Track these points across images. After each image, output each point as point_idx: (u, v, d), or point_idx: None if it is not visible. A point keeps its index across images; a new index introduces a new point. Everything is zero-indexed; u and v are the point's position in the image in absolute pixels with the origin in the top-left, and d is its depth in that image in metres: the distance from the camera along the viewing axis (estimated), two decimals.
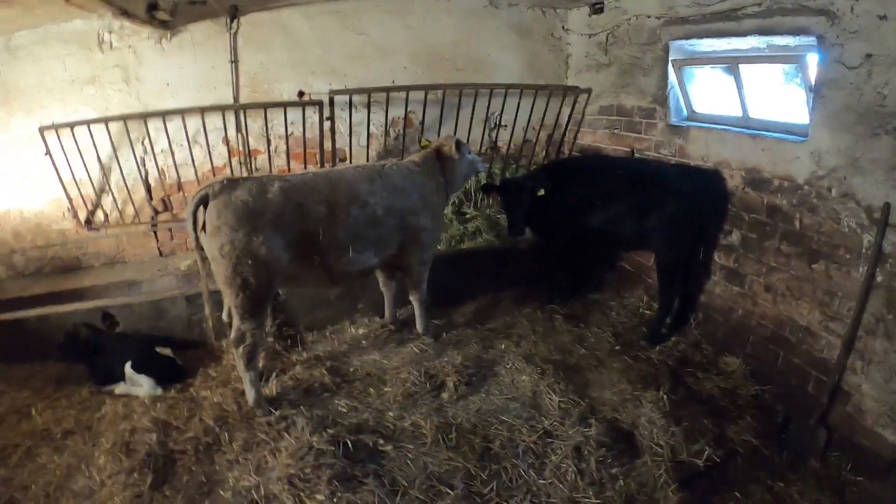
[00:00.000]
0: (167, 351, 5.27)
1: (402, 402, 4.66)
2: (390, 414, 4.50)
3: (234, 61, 6.64)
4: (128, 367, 4.96)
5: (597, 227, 5.61)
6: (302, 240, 4.48)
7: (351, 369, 5.17)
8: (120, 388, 5.05)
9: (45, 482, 4.11)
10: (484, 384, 4.85)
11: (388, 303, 5.79)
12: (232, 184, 4.32)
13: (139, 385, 4.96)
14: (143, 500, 3.82)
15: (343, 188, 4.69)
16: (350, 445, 4.06)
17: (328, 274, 4.80)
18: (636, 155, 6.42)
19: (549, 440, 4.12)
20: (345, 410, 4.57)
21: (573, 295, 6.30)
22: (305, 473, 3.81)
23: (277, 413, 4.49)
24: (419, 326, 5.63)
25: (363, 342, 5.61)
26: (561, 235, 5.98)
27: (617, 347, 5.38)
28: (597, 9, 6.93)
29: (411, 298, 5.56)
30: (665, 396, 4.53)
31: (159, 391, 4.95)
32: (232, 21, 6.48)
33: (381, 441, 4.18)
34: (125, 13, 5.56)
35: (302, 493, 3.69)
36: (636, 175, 5.53)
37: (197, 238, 4.36)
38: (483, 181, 6.75)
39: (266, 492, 3.76)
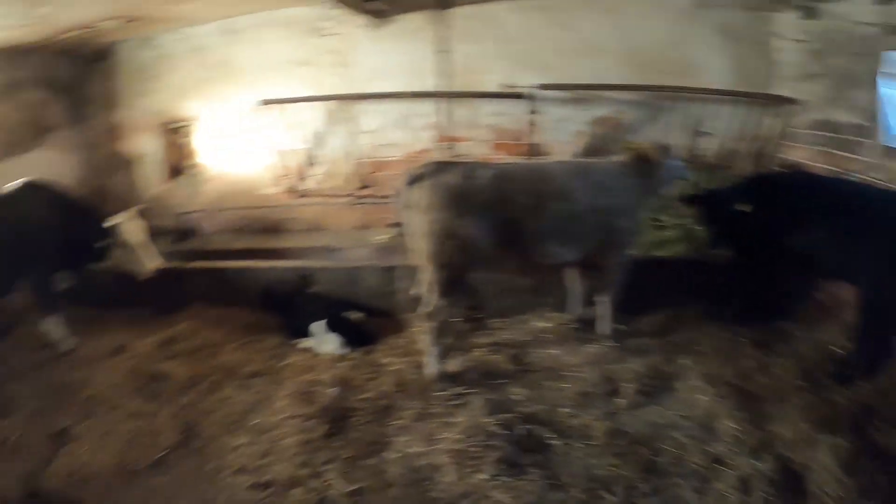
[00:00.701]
0: (357, 316, 5.48)
1: (577, 400, 4.45)
2: (563, 410, 4.32)
3: (444, 51, 6.76)
4: (319, 325, 5.23)
5: (798, 251, 5.08)
6: (505, 227, 4.47)
7: (531, 360, 5.05)
8: (308, 343, 5.31)
9: (226, 413, 4.49)
10: (660, 397, 4.54)
11: (575, 300, 5.59)
12: (443, 166, 4.43)
13: (327, 343, 5.19)
14: (313, 446, 3.98)
15: (549, 181, 4.65)
16: (519, 433, 3.97)
17: (525, 264, 4.80)
18: (846, 177, 5.80)
19: (717, 466, 3.76)
20: (519, 399, 4.45)
21: (763, 320, 5.78)
22: (472, 451, 3.76)
23: (454, 390, 4.48)
24: (603, 328, 5.37)
25: (546, 335, 5.45)
26: (758, 255, 5.50)
27: (801, 383, 4.82)
28: (809, 13, 6.33)
29: (600, 299, 5.33)
30: (844, 445, 4.00)
31: (345, 351, 5.14)
32: (442, 12, 6.63)
33: (551, 435, 4.03)
34: (343, 2, 5.87)
35: (466, 469, 3.65)
36: (847, 198, 4.94)
37: (403, 215, 4.48)
38: (684, 190, 6.41)
39: (431, 461, 3.77)
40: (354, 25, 6.79)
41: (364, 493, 3.70)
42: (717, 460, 3.81)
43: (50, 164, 7.46)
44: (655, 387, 4.63)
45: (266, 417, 4.35)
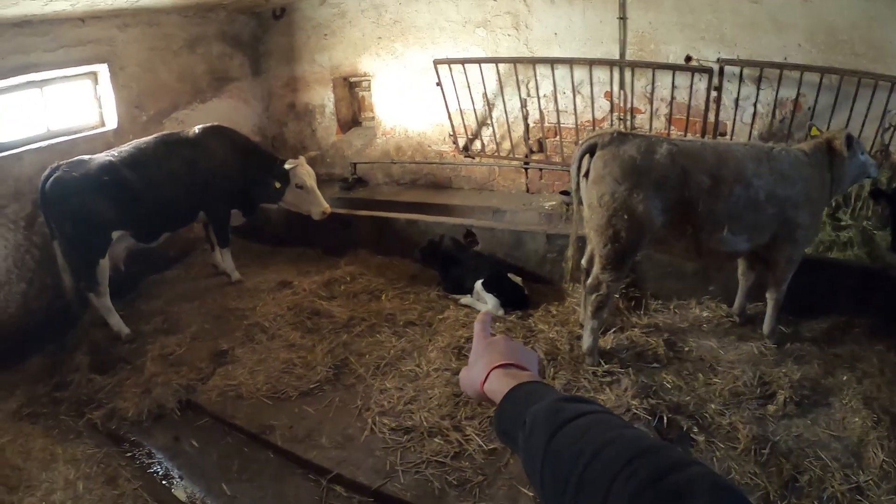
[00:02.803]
0: (517, 279, 5.48)
1: (727, 398, 4.26)
2: (712, 406, 4.16)
3: (623, 18, 6.45)
4: (479, 283, 5.31)
5: None
6: (679, 207, 4.28)
7: (686, 348, 4.86)
8: (466, 300, 5.43)
9: (379, 356, 4.74)
10: (813, 411, 4.22)
11: (740, 293, 5.28)
12: (622, 137, 4.26)
13: (484, 302, 5.26)
14: (458, 400, 4.11)
15: (730, 163, 4.38)
16: (665, 421, 3.89)
17: (696, 247, 4.55)
18: None
19: (858, 498, 3.51)
20: (669, 386, 4.33)
21: None
22: None
23: (605, 366, 4.41)
24: (766, 327, 5.05)
25: (704, 325, 5.22)
26: None
27: None
28: None
29: (767, 296, 4.99)
30: None
31: (501, 312, 5.20)
32: None
33: (696, 429, 3.91)
34: None
35: None
36: None
37: (578, 183, 4.38)
38: (870, 187, 5.86)
39: None
40: None
41: (500, 453, 3.76)
42: (860, 491, 3.59)
43: (230, 113, 8.13)
44: (809, 399, 4.35)
45: (417, 366, 4.49)
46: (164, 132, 6.39)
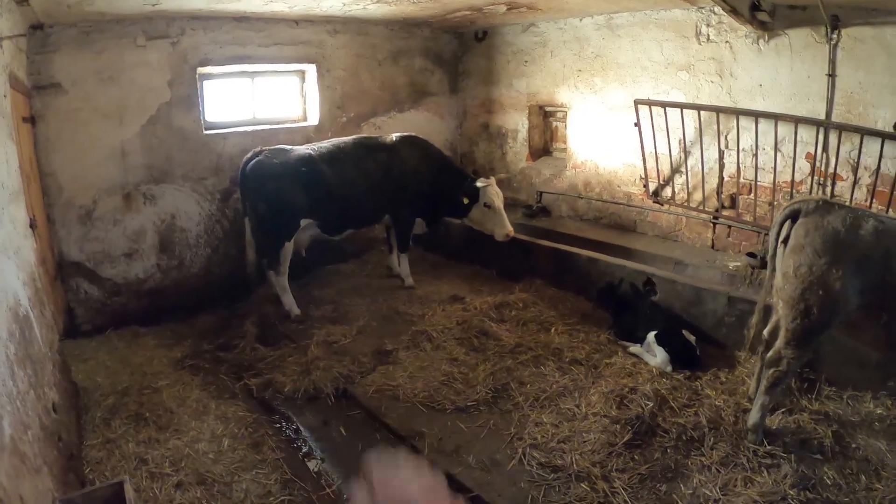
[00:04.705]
0: (691, 337, 5.37)
1: None
2: None
3: (832, 75, 6.05)
4: (651, 334, 5.26)
5: None
6: (878, 289, 4.02)
7: (853, 444, 4.54)
8: (635, 349, 5.40)
9: (540, 388, 4.82)
10: None
11: None
12: (828, 207, 4.07)
13: (654, 355, 5.20)
14: (612, 450, 4.08)
15: None
16: None
17: (887, 337, 4.26)
18: None
19: None
20: (829, 483, 4.07)
21: None
22: None
23: (768, 447, 4.23)
24: None
25: (876, 423, 4.84)
26: None
27: None
28: None
29: None
30: None
31: (669, 369, 5.11)
32: (832, 32, 5.97)
33: None
34: (730, 10, 5.72)
35: None
36: None
37: (775, 249, 4.24)
38: None
39: None
40: (737, 35, 6.44)
41: None
42: None
43: (425, 125, 8.72)
44: None
45: (575, 406, 4.52)
46: (363, 135, 6.89)
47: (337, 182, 6.14)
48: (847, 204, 4.91)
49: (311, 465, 4.37)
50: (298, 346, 5.64)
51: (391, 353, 5.43)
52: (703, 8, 6.49)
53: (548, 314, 5.88)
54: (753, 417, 4.34)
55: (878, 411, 4.97)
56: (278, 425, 4.79)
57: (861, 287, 3.98)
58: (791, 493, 3.80)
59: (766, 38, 6.34)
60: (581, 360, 5.14)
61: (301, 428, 4.74)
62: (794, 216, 4.11)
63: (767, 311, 4.53)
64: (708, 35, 6.63)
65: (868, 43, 5.93)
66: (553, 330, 5.61)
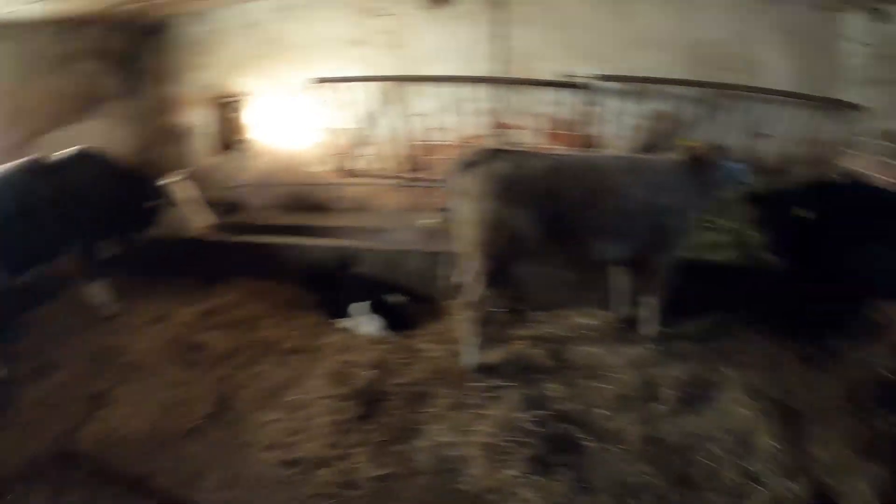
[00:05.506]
0: (399, 299, 5.47)
1: (614, 402, 4.37)
2: (599, 411, 4.26)
3: (500, 36, 6.65)
4: (360, 306, 5.25)
5: (856, 265, 4.89)
6: (553, 219, 4.39)
7: (570, 357, 4.95)
8: (348, 323, 5.33)
9: (261, 388, 4.57)
10: (699, 406, 4.40)
11: (620, 299, 5.47)
12: (495, 153, 4.36)
13: (367, 324, 5.20)
14: (344, 427, 4.03)
15: (602, 175, 4.55)
16: (553, 432, 3.94)
17: (571, 258, 4.72)
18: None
19: (751, 483, 3.68)
20: (556, 396, 4.39)
21: (812, 334, 5.56)
22: (503, 446, 3.76)
23: (490, 382, 4.44)
24: (647, 330, 5.25)
25: (587, 333, 5.35)
26: (814, 266, 5.28)
27: (846, 405, 4.61)
28: (879, 16, 5.95)
29: (646, 300, 5.20)
30: (885, 474, 3.78)
31: (383, 334, 5.16)
32: None
33: (584, 436, 3.98)
34: None
35: (495, 464, 3.65)
36: None
37: (451, 200, 4.42)
38: (742, 192, 6.21)
39: (461, 453, 3.78)
40: (410, 6, 6.71)
41: (391, 479, 3.72)
42: (752, 478, 3.74)
43: (103, 134, 7.62)
44: (695, 395, 4.52)
45: (300, 395, 4.39)
46: (29, 157, 6.04)
47: (4, 216, 5.40)
48: (517, 148, 5.28)
49: None
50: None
51: (104, 394, 4.87)
52: None
53: (257, 310, 5.63)
54: (468, 358, 4.54)
55: (587, 322, 5.47)
56: None
57: (537, 220, 4.30)
58: (521, 416, 3.98)
59: (438, 7, 6.64)
60: (297, 348, 5.01)
61: None
62: (466, 167, 4.31)
63: (459, 258, 4.72)
64: (382, 9, 6.76)
65: (535, 4, 6.56)
66: (264, 325, 5.41)
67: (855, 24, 6.41)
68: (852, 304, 5.90)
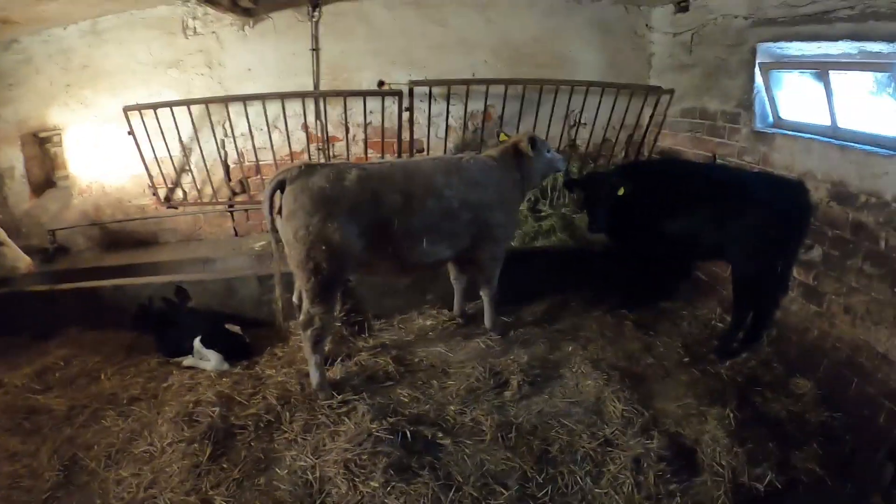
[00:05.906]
0: (236, 328, 5.42)
1: (464, 396, 4.61)
2: (451, 408, 4.46)
3: (315, 49, 6.74)
4: (197, 341, 5.13)
5: (673, 232, 5.37)
6: (376, 228, 4.50)
7: (415, 360, 5.16)
8: (188, 361, 5.23)
9: (108, 444, 4.32)
10: (548, 386, 4.75)
11: (457, 296, 5.74)
12: (309, 169, 4.38)
13: (206, 359, 5.12)
14: (201, 470, 3.92)
15: (419, 179, 4.70)
16: (408, 436, 4.05)
17: (400, 264, 4.83)
18: (718, 161, 6.16)
19: (609, 449, 4.00)
20: (406, 400, 4.58)
21: (644, 301, 6.09)
22: (362, 459, 3.82)
23: (339, 397, 4.50)
24: (487, 322, 5.56)
25: (430, 334, 5.59)
26: (636, 239, 5.73)
27: (685, 359, 5.13)
28: (682, 7, 6.65)
29: (481, 293, 5.50)
30: (731, 415, 4.28)
31: (225, 367, 5.11)
32: (314, 10, 6.60)
33: (440, 434, 4.15)
34: (209, 1, 5.80)
35: (357, 479, 3.70)
36: (717, 182, 5.24)
37: (273, 221, 4.43)
38: (562, 178, 6.61)
39: (321, 474, 3.80)
40: (222, 24, 6.62)
41: None
42: (609, 443, 4.06)
43: None
44: (542, 376, 4.86)
45: (149, 445, 4.21)
46: None
47: None
48: (335, 161, 5.37)
49: None
50: None
51: None
52: (188, 2, 6.45)
53: (93, 362, 5.32)
54: (314, 378, 4.60)
55: (428, 323, 5.74)
56: None
57: (359, 231, 4.41)
58: (373, 426, 4.06)
59: (252, 23, 6.62)
60: (139, 396, 4.80)
61: None
62: (281, 186, 4.32)
63: (289, 279, 4.75)
64: (195, 28, 6.62)
65: (348, 16, 6.68)
66: (103, 376, 5.10)
67: (660, 15, 7.12)
68: (678, 268, 6.57)
